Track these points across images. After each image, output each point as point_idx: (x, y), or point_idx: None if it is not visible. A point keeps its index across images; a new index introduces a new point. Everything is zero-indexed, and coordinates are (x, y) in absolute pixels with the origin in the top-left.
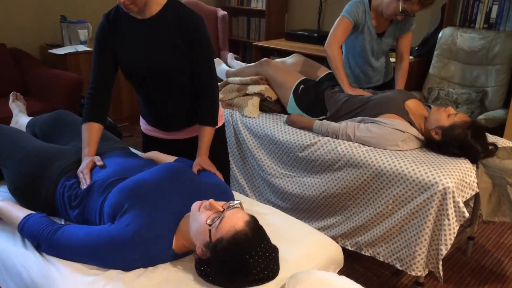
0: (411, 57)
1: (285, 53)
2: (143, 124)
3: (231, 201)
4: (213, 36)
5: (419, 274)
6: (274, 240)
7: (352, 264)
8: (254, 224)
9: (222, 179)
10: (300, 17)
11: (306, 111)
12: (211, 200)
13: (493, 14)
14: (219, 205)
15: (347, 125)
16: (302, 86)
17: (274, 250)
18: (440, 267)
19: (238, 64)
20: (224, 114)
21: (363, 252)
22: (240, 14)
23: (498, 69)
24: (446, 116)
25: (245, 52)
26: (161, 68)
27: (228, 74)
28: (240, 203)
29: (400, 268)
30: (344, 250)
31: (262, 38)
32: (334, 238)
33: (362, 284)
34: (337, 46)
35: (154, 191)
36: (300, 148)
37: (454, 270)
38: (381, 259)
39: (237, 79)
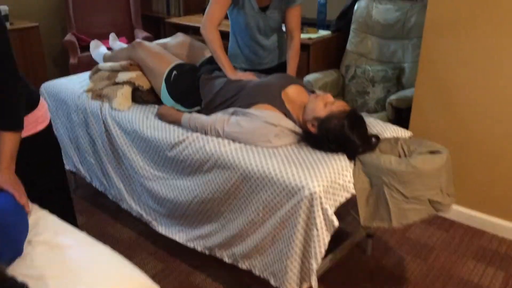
0: (328, 32)
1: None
2: None
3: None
4: (125, 13)
5: None
6: (72, 283)
7: None
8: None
9: (25, 203)
10: None
11: (179, 101)
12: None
13: None
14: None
15: (217, 119)
16: (175, 72)
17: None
18: (314, 284)
19: (119, 47)
20: (90, 107)
21: (239, 265)
22: None
23: (415, 43)
24: (323, 105)
25: (165, 31)
26: None
27: (105, 59)
28: None
29: (274, 285)
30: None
31: (182, 14)
32: (211, 249)
33: None
34: (212, 27)
35: None
36: (169, 147)
37: (352, 273)
38: (257, 273)
39: (107, 65)
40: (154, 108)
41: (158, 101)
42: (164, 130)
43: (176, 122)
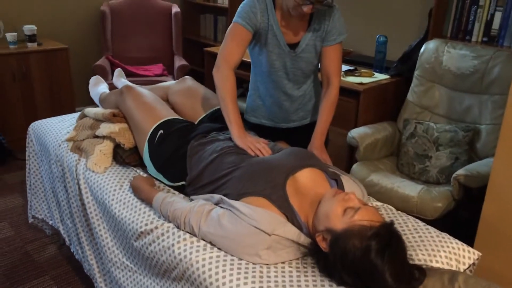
0: (386, 76)
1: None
2: None
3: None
4: (166, 37)
5: None
6: None
7: None
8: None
9: None
10: None
11: (161, 171)
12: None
13: (495, 24)
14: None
15: (194, 209)
16: (161, 131)
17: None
18: None
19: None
20: (67, 161)
21: None
22: (208, 11)
23: (497, 101)
24: (341, 211)
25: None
26: None
27: (100, 101)
28: None
29: None
30: None
31: None
32: None
33: None
34: (228, 68)
35: None
36: (134, 235)
37: None
38: None
39: (92, 111)
40: (135, 174)
41: (142, 164)
42: (133, 210)
43: (147, 201)
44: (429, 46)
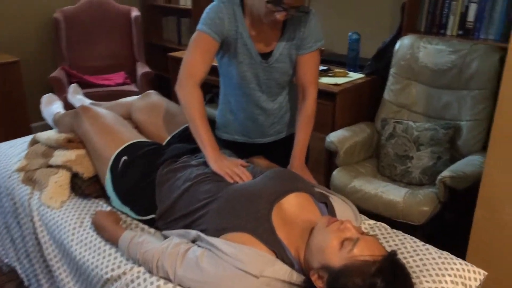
0: (361, 75)
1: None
2: None
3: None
4: (127, 43)
5: None
6: None
7: None
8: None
9: None
10: None
11: (127, 204)
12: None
13: (471, 17)
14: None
15: (167, 251)
16: (125, 157)
17: None
18: None
19: (81, 103)
20: (19, 194)
21: None
22: (170, 13)
23: (475, 96)
24: (338, 245)
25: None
26: None
27: (54, 122)
28: None
29: None
30: None
31: None
32: None
33: None
34: (192, 83)
35: None
36: (99, 282)
37: None
38: None
39: (44, 135)
40: (98, 207)
41: (105, 194)
42: (96, 252)
43: (112, 241)
44: (404, 42)
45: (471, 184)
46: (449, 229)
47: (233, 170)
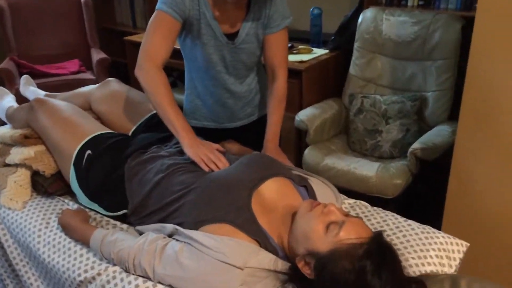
0: (325, 51)
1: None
2: None
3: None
4: (79, 29)
5: None
6: None
7: None
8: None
9: None
10: None
11: (94, 200)
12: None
13: None
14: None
15: (144, 248)
16: (89, 151)
17: None
18: None
19: (35, 95)
20: None
21: None
22: None
23: (440, 66)
24: (323, 229)
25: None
26: None
27: (7, 117)
28: None
29: None
30: None
31: None
32: None
33: None
34: (153, 66)
35: None
36: (73, 284)
37: None
38: None
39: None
40: (64, 206)
41: (70, 191)
42: (66, 254)
43: (83, 241)
44: (366, 15)
45: (441, 155)
46: (420, 201)
47: (208, 156)
